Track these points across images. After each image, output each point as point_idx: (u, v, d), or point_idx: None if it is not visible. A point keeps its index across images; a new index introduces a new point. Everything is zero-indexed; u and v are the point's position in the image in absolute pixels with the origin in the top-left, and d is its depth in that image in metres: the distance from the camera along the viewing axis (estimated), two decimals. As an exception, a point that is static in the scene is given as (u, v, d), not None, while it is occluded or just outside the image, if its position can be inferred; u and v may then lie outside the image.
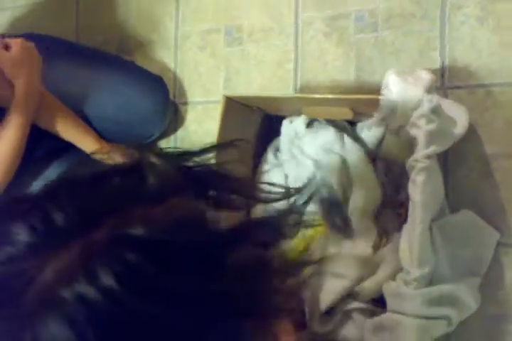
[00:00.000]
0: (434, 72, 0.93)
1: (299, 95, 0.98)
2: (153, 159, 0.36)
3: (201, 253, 0.32)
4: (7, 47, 0.88)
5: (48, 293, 0.29)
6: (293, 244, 0.85)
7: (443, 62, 0.93)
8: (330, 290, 0.83)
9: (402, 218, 0.83)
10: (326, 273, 0.85)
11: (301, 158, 0.87)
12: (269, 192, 0.39)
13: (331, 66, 1.01)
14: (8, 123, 0.88)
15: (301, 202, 0.49)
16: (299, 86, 1.03)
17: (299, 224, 0.39)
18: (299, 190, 0.40)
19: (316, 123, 0.89)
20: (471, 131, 0.87)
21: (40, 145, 0.97)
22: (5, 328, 0.30)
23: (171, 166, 0.37)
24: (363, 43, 1.00)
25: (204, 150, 0.40)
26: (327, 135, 0.86)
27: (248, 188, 0.39)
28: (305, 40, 1.04)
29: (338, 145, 0.85)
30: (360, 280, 0.81)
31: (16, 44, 0.88)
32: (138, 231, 0.31)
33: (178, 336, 0.30)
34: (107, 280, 0.29)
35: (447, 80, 0.92)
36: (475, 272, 0.81)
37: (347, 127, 0.89)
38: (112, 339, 0.29)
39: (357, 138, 0.89)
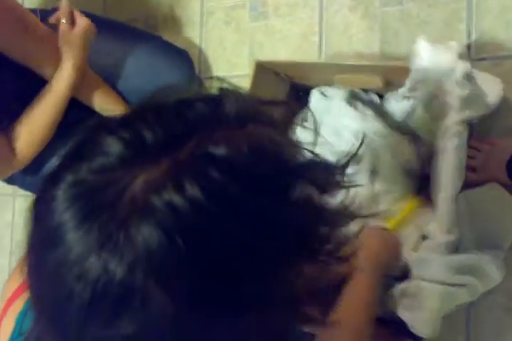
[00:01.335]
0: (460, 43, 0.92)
1: (330, 62, 0.98)
2: (231, 88, 0.40)
3: (272, 178, 0.35)
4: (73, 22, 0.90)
5: (140, 200, 0.32)
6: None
7: (469, 34, 0.92)
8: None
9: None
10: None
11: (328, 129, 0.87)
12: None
13: (356, 39, 1.01)
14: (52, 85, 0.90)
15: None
16: (323, 59, 1.04)
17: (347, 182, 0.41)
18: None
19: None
20: (499, 102, 0.86)
21: (72, 112, 0.99)
22: (102, 231, 0.33)
23: (247, 96, 0.40)
24: (388, 16, 0.99)
25: (272, 102, 0.42)
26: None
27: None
28: (330, 14, 1.04)
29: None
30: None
31: (83, 23, 0.89)
32: (220, 150, 0.34)
33: (254, 249, 0.34)
34: (193, 191, 0.32)
35: (473, 52, 0.91)
36: (498, 245, 0.80)
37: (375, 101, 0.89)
38: (197, 246, 0.32)
39: (383, 113, 0.89)
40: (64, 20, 0.88)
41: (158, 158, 0.34)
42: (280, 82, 0.96)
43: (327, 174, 0.39)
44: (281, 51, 1.08)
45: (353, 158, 0.41)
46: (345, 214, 0.40)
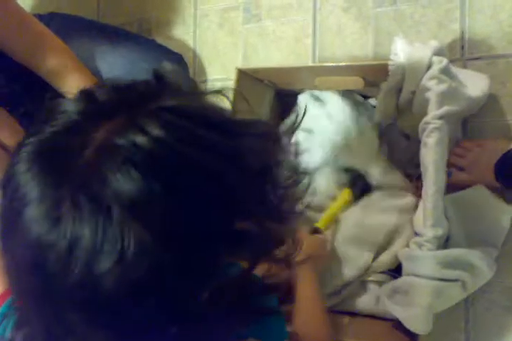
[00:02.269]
0: (453, 43, 0.92)
1: (310, 65, 0.98)
2: (170, 67, 0.44)
3: (220, 126, 0.40)
4: None
5: (106, 143, 0.35)
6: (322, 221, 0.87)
7: (463, 34, 0.92)
8: (355, 265, 0.83)
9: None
10: (347, 245, 0.85)
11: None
12: None
13: (350, 40, 1.01)
14: None
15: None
16: (317, 61, 1.03)
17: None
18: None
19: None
20: (493, 101, 0.86)
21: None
22: (73, 178, 0.35)
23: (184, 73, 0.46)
24: (381, 17, 0.99)
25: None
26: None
27: None
28: (323, 15, 1.04)
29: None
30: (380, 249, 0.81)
31: None
32: (170, 102, 0.39)
33: (215, 175, 0.38)
34: (153, 130, 0.36)
35: (467, 52, 0.91)
36: (491, 243, 0.80)
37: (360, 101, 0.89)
38: (164, 176, 0.35)
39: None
40: None
41: (115, 114, 0.37)
42: (265, 88, 0.96)
43: (270, 129, 0.45)
44: (275, 53, 1.07)
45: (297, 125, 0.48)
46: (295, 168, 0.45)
